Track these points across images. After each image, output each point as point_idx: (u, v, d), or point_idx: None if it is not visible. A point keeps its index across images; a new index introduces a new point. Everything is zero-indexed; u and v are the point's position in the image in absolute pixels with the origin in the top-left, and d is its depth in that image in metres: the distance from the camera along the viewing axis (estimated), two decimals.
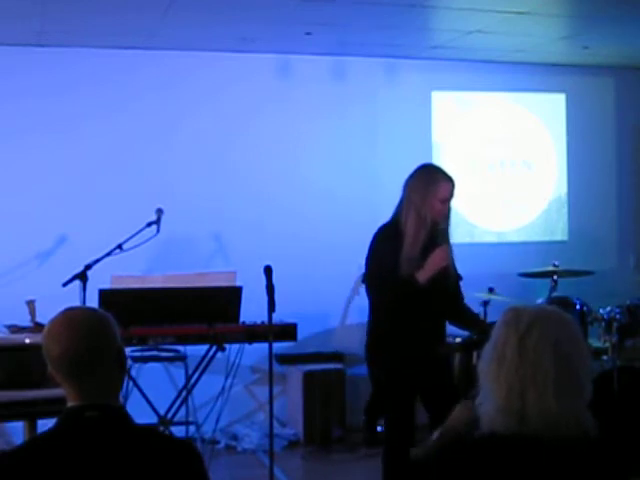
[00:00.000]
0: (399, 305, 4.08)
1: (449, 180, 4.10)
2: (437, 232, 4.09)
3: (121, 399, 2.14)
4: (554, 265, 6.18)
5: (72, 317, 2.07)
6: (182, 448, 2.07)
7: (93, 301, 4.65)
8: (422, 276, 4.01)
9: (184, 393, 5.55)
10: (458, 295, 4.40)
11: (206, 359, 5.29)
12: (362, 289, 6.64)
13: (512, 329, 2.05)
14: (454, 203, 4.20)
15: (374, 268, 4.13)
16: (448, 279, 4.17)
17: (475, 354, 5.83)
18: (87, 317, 2.08)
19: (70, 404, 2.04)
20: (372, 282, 4.17)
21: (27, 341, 4.36)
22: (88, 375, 2.02)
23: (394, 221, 4.15)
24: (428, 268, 4.01)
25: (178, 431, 5.75)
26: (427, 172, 4.16)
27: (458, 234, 7.06)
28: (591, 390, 2.06)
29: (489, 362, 2.07)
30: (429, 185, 4.06)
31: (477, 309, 6.15)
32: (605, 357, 5.57)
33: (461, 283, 4.44)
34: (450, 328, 6.97)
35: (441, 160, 7.07)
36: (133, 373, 5.68)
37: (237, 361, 4.97)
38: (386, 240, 4.10)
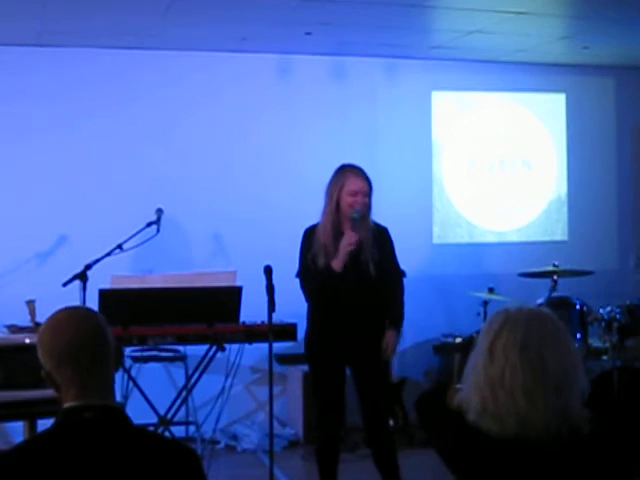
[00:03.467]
0: (321, 297, 4.41)
1: (358, 175, 4.42)
2: (351, 222, 4.36)
3: (121, 399, 2.13)
4: (554, 265, 6.18)
5: (74, 313, 2.08)
6: (182, 452, 2.06)
7: (93, 301, 4.64)
8: (336, 263, 4.31)
9: (184, 393, 5.54)
10: (389, 286, 4.49)
11: (206, 359, 5.29)
12: None
13: (485, 334, 2.11)
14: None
15: (300, 265, 4.48)
16: (368, 269, 4.34)
17: None
18: (88, 313, 2.10)
19: (68, 404, 2.02)
20: (300, 278, 4.49)
21: (27, 341, 4.36)
22: (89, 371, 2.01)
23: (318, 222, 4.51)
24: (339, 254, 4.32)
25: (178, 431, 5.75)
26: (339, 170, 4.51)
27: (458, 234, 7.08)
28: (585, 387, 2.06)
29: (468, 367, 2.14)
30: (338, 181, 4.43)
31: (477, 309, 6.18)
32: (605, 357, 5.57)
33: (405, 279, 4.65)
34: (450, 328, 6.99)
35: (441, 160, 7.09)
36: (133, 373, 5.67)
37: (237, 361, 4.97)
38: (307, 239, 4.48)
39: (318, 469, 4.55)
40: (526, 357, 2.02)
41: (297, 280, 4.54)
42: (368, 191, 4.40)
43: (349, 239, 4.30)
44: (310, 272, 4.39)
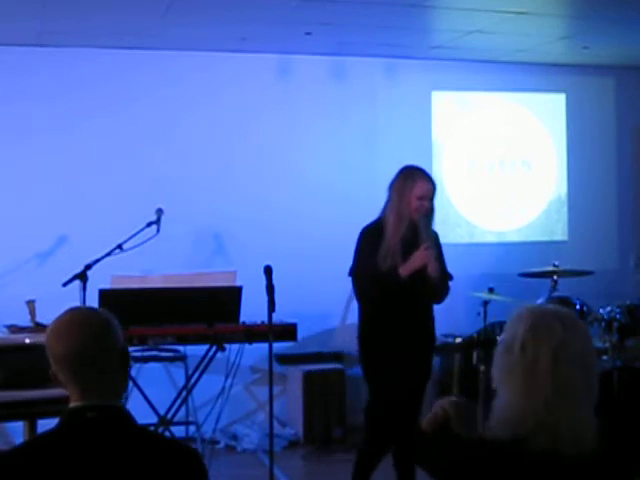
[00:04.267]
0: (381, 299, 4.29)
1: (427, 179, 4.35)
2: (419, 229, 4.29)
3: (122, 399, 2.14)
4: (554, 265, 6.18)
5: (76, 316, 2.08)
6: (185, 452, 2.06)
7: (93, 301, 4.64)
8: (404, 270, 4.24)
9: (184, 393, 5.54)
10: (444, 289, 4.48)
11: (206, 359, 5.29)
12: None
13: (545, 340, 1.98)
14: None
15: (358, 264, 4.38)
16: (428, 277, 4.29)
17: (475, 354, 5.84)
18: (91, 317, 2.09)
19: (72, 404, 2.03)
20: (356, 277, 4.38)
21: (27, 341, 4.36)
22: (90, 375, 2.02)
23: (379, 220, 4.39)
24: (410, 264, 4.24)
25: (178, 431, 5.75)
26: (407, 171, 4.43)
27: (458, 234, 7.08)
28: (597, 393, 2.03)
29: (511, 367, 2.01)
30: (407, 183, 4.33)
31: (477, 309, 6.18)
32: (605, 357, 5.57)
33: (451, 283, 4.56)
34: (450, 328, 6.99)
35: (441, 160, 7.08)
36: (133, 373, 5.67)
37: (237, 361, 4.97)
38: (369, 237, 4.35)
39: (357, 466, 4.44)
40: (584, 371, 1.96)
41: (348, 279, 4.44)
42: (433, 195, 4.34)
43: (425, 255, 4.22)
44: (369, 272, 4.28)
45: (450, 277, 4.53)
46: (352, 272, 4.41)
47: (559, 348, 1.96)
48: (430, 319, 4.48)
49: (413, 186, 4.29)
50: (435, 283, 4.32)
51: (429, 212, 4.34)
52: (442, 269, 4.41)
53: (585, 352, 1.99)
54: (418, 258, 4.23)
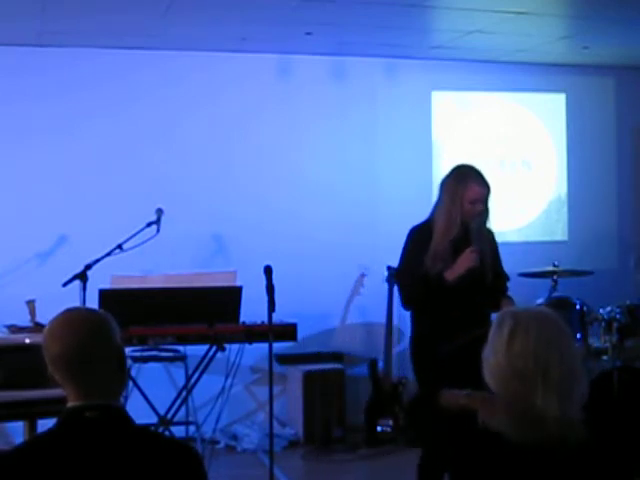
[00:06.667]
0: (428, 303, 4.10)
1: (480, 182, 4.12)
2: (470, 232, 4.11)
3: (121, 399, 2.14)
4: (554, 265, 6.17)
5: (72, 317, 2.08)
6: (183, 451, 2.07)
7: (93, 301, 4.65)
8: (450, 275, 4.04)
9: (184, 393, 5.55)
10: (500, 291, 4.30)
11: (206, 359, 5.29)
12: (362, 289, 6.69)
13: (497, 336, 2.10)
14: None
15: (405, 266, 4.20)
16: (484, 277, 4.12)
17: None
18: (87, 317, 2.09)
19: (70, 404, 2.04)
20: (401, 279, 4.23)
21: (27, 341, 4.37)
22: (87, 375, 2.02)
23: (428, 220, 4.21)
24: (456, 268, 4.05)
25: (178, 431, 5.76)
26: (460, 172, 4.19)
27: None
28: (585, 390, 2.06)
29: (486, 367, 2.12)
30: (459, 185, 4.11)
31: None
32: (605, 357, 5.57)
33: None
34: None
35: (441, 160, 7.08)
36: (133, 373, 5.68)
37: (237, 361, 4.97)
38: (417, 238, 4.17)
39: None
40: (541, 361, 2.02)
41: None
42: (487, 197, 4.13)
43: (472, 257, 4.03)
44: (414, 275, 4.07)
45: (507, 278, 4.34)
46: (397, 274, 4.25)
47: (508, 344, 2.06)
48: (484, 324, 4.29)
49: (465, 190, 4.08)
50: (492, 288, 4.13)
51: (483, 213, 4.14)
52: (499, 270, 4.25)
53: (539, 347, 2.03)
54: (463, 262, 4.04)
